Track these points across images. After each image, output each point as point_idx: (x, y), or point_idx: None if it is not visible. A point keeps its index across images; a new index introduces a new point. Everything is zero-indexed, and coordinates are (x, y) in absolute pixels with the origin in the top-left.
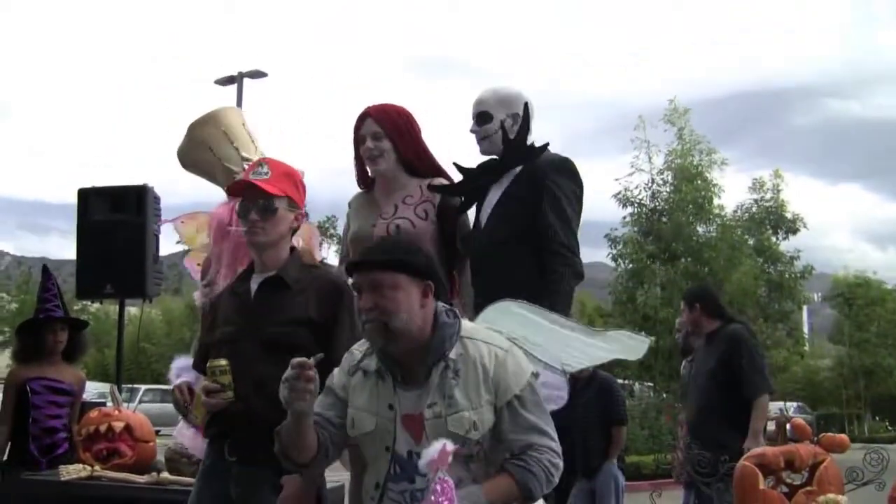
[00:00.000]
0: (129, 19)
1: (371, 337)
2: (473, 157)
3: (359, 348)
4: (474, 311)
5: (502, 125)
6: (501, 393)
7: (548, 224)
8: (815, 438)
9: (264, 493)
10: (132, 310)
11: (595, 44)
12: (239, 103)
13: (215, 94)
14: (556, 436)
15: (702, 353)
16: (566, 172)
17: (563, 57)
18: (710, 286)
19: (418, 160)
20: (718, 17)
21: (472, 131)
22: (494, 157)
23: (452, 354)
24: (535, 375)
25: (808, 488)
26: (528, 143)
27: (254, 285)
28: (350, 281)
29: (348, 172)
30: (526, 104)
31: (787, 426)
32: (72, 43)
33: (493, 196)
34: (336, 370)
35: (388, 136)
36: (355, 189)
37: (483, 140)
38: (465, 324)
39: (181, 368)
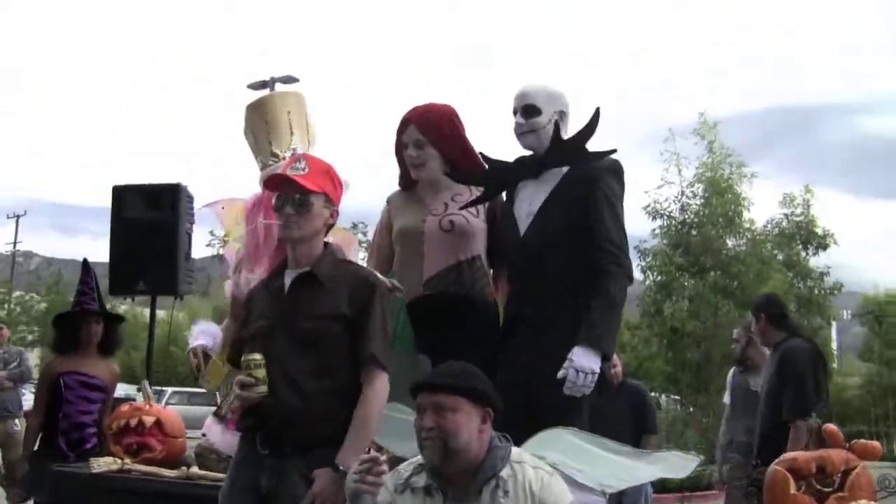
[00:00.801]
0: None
1: (429, 455)
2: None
3: (405, 467)
4: (505, 314)
5: (555, 122)
6: None
7: (603, 225)
8: (848, 445)
9: (295, 485)
10: (160, 313)
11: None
12: None
13: (249, 98)
14: None
15: (768, 365)
16: (617, 175)
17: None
18: (777, 297)
19: (463, 161)
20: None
21: (517, 123)
22: (531, 152)
23: (503, 474)
24: None
25: (840, 494)
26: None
27: (287, 280)
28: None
29: (374, 180)
30: (598, 109)
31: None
32: (76, 40)
33: (536, 194)
34: (382, 488)
35: (431, 143)
36: (385, 195)
37: (529, 133)
38: (514, 449)
39: (201, 331)
